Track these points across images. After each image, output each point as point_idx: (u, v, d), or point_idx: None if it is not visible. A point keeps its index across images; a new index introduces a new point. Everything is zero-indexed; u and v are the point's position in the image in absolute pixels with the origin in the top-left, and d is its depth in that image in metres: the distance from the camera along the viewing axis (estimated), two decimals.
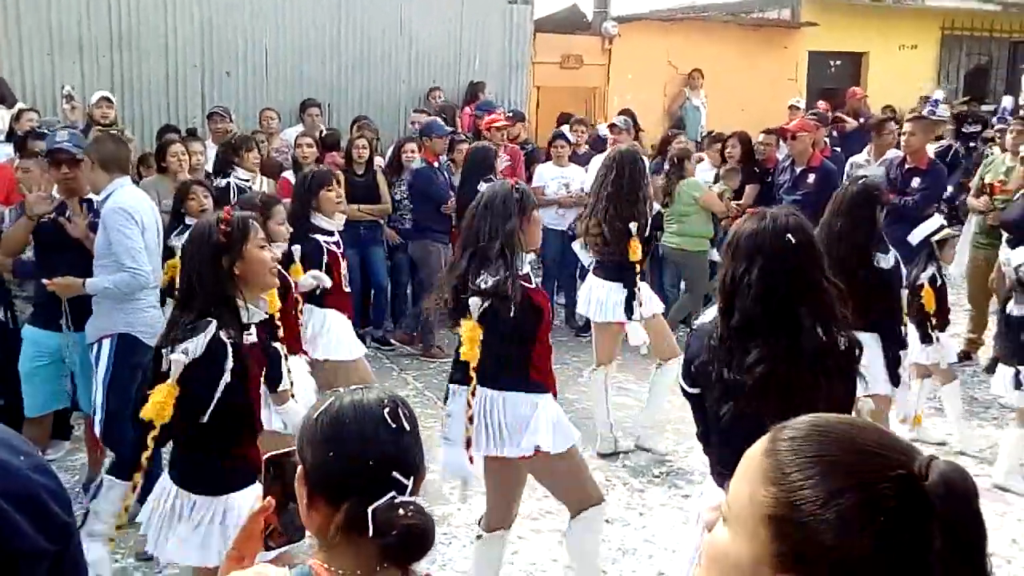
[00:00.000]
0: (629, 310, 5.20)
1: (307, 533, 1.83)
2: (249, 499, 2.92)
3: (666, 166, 7.59)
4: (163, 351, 2.82)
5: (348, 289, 5.11)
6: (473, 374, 3.46)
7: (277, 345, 3.68)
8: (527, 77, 11.02)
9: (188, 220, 4.82)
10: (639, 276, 5.26)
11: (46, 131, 5.89)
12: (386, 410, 1.57)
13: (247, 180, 6.51)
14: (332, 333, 4.81)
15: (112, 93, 7.85)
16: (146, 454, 2.85)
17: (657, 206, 6.21)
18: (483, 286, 3.42)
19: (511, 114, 8.84)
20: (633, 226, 5.07)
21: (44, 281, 4.25)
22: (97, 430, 4.26)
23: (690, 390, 2.67)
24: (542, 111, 11.03)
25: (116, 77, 8.70)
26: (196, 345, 2.78)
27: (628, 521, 4.70)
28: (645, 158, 5.91)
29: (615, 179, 5.19)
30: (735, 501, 0.98)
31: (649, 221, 5.33)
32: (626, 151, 5.53)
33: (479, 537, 3.79)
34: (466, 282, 3.51)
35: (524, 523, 4.59)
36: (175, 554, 2.95)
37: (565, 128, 8.70)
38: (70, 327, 4.47)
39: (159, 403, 2.77)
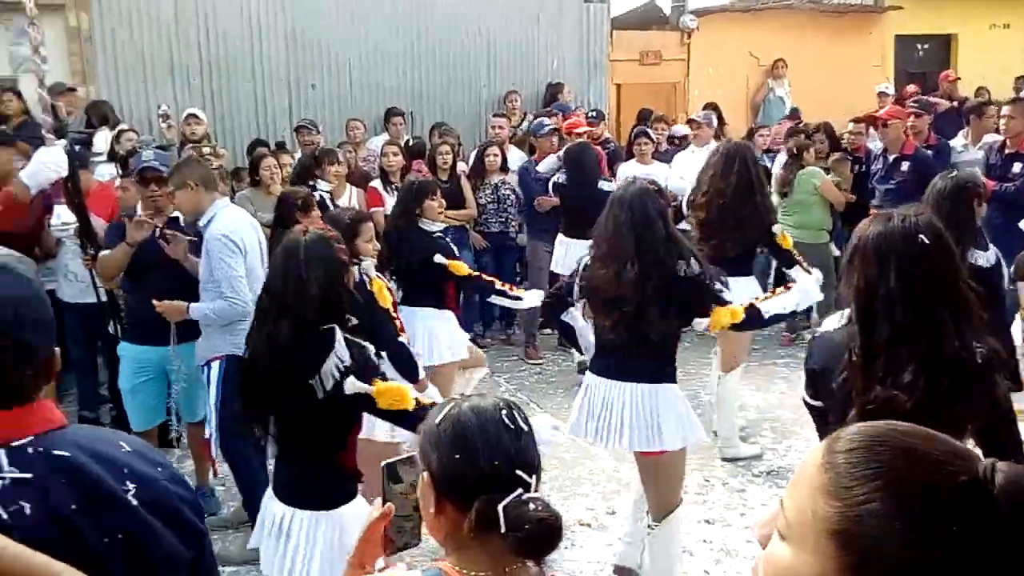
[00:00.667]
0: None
1: (422, 539, 1.88)
2: (359, 508, 2.98)
3: (784, 157, 7.57)
4: (326, 382, 2.86)
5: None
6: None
7: (403, 338, 3.78)
8: (606, 76, 10.98)
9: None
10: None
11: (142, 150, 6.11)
12: (503, 412, 1.63)
13: (327, 191, 6.65)
14: (456, 336, 4.97)
15: (203, 111, 8.10)
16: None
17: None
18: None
19: (593, 114, 8.81)
20: (778, 228, 5.09)
21: (154, 302, 4.33)
22: (214, 450, 4.35)
23: (813, 403, 2.53)
24: (623, 109, 10.97)
25: (207, 95, 8.97)
26: (345, 361, 2.87)
27: (729, 522, 4.65)
28: None
29: (735, 172, 5.08)
30: (795, 516, 0.97)
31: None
32: (739, 143, 5.50)
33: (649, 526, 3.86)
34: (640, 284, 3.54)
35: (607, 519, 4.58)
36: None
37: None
38: (176, 341, 4.59)
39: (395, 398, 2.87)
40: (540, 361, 7.28)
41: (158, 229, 4.58)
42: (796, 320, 7.59)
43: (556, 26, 10.60)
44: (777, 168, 7.87)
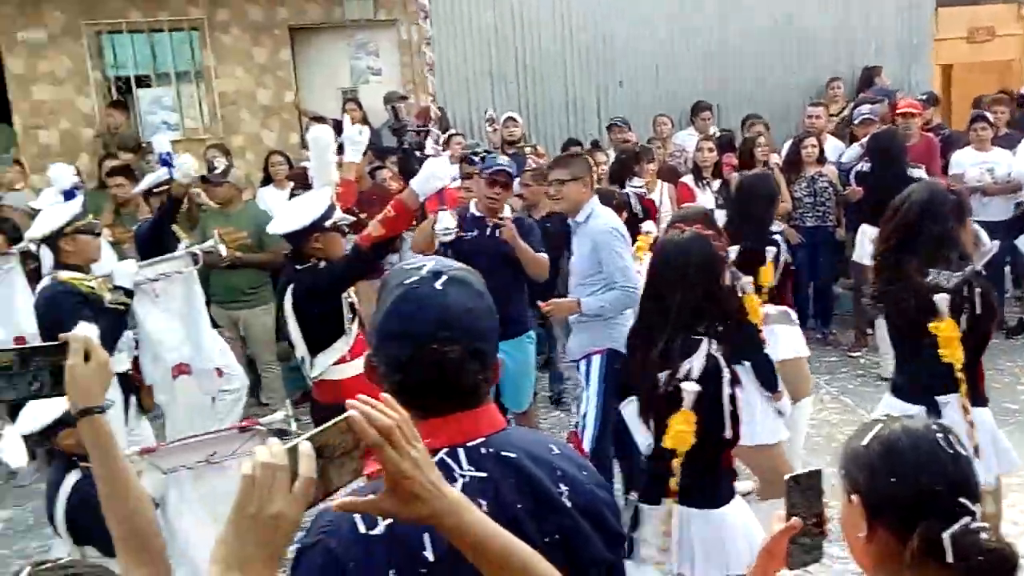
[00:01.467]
0: None
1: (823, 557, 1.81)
2: (737, 511, 2.95)
3: None
4: (659, 375, 2.87)
5: None
6: (960, 375, 3.25)
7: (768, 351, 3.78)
8: (929, 56, 10.15)
9: None
10: None
11: (471, 153, 6.46)
12: (938, 435, 1.54)
13: (641, 187, 6.68)
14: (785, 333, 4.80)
15: (519, 114, 8.44)
16: (675, 480, 2.88)
17: None
18: (946, 284, 3.25)
19: (924, 97, 8.20)
20: None
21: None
22: (587, 445, 4.34)
23: None
24: (952, 91, 10.11)
25: (522, 99, 9.38)
26: (697, 367, 2.82)
27: None
28: None
29: None
30: None
31: None
32: None
33: None
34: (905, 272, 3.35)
35: None
36: (699, 570, 2.95)
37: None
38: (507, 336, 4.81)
39: (681, 432, 2.81)
40: (857, 354, 7.14)
41: (488, 226, 4.80)
42: None
43: (872, 6, 9.96)
44: None
